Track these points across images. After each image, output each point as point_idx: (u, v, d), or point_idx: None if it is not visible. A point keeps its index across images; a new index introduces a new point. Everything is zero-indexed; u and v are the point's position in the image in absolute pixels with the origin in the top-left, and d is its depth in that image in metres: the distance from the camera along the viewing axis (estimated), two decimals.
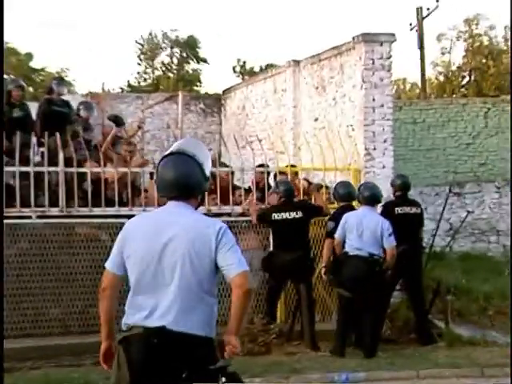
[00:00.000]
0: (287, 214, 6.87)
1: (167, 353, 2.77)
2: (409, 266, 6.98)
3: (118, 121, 8.18)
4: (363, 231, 6.42)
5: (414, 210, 7.29)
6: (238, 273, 2.78)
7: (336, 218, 6.83)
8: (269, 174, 8.13)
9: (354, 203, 7.08)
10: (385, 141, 8.20)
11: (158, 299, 2.81)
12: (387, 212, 7.01)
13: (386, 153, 8.20)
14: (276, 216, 6.88)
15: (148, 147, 11.22)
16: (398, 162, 9.78)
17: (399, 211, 7.17)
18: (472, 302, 8.12)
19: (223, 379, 2.72)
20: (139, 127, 9.11)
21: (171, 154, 2.96)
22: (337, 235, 6.64)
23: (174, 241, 2.82)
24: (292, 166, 8.12)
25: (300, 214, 6.89)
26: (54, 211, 6.85)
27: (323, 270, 6.89)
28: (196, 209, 2.98)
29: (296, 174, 8.23)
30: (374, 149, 8.18)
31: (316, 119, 9.43)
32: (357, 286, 6.33)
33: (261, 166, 8.02)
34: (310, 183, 7.87)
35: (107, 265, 2.97)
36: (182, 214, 2.89)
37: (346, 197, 7.03)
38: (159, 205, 6.89)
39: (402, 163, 12.05)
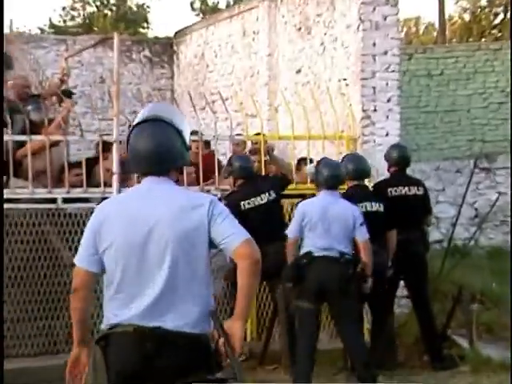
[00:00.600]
0: (258, 198, 6.89)
1: (161, 357, 3.05)
2: (408, 265, 7.06)
3: (67, 94, 8.11)
4: (330, 224, 6.38)
5: (413, 190, 7.34)
6: (241, 242, 3.06)
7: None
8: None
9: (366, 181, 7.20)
10: (389, 100, 8.20)
11: (146, 294, 3.07)
12: (378, 194, 7.10)
13: (390, 116, 8.20)
14: (246, 204, 6.87)
15: (75, 108, 11.06)
16: (407, 127, 9.82)
17: (393, 192, 7.25)
18: (504, 313, 8.15)
19: None
20: (62, 81, 8.93)
21: (144, 121, 3.20)
22: (291, 233, 6.47)
23: (159, 224, 3.07)
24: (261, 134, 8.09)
25: (273, 195, 6.95)
26: None
27: None
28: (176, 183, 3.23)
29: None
30: (375, 110, 8.19)
31: (298, 71, 9.43)
32: (326, 296, 6.32)
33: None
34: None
35: (77, 261, 3.18)
36: (164, 191, 3.16)
37: (359, 174, 7.03)
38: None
39: (412, 129, 12.09)
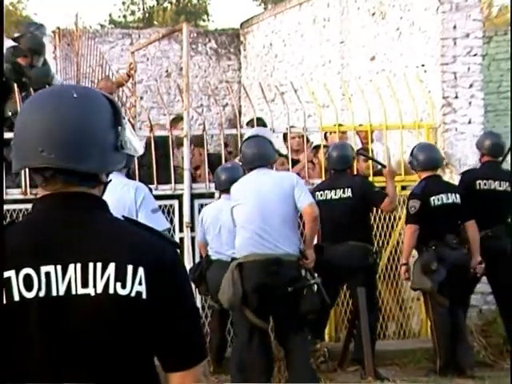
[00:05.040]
0: (332, 192, 6.92)
1: (279, 274, 5.51)
2: (492, 262, 6.89)
3: None
4: (221, 228, 6.51)
5: (504, 185, 7.16)
6: (307, 204, 5.65)
7: (420, 194, 6.78)
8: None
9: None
10: (471, 85, 8.10)
11: (267, 233, 5.56)
12: (465, 186, 6.98)
13: (472, 102, 8.09)
14: (319, 195, 6.92)
15: (141, 103, 11.10)
16: (487, 114, 9.58)
17: (482, 186, 7.08)
18: None
19: (304, 291, 5.60)
20: (129, 76, 8.97)
21: (250, 137, 5.94)
22: (197, 237, 6.98)
23: (270, 190, 5.64)
24: (340, 125, 8.15)
25: (349, 193, 6.90)
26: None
27: (403, 269, 6.87)
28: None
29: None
30: (456, 97, 8.08)
31: (373, 58, 9.35)
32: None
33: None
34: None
35: None
36: (269, 174, 5.81)
37: (431, 163, 6.92)
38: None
39: (492, 116, 11.79)
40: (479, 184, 7.06)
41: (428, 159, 6.89)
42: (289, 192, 5.64)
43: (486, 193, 7.02)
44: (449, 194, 6.77)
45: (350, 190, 6.81)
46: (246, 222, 5.68)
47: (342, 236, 6.65)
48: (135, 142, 1.96)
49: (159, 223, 4.48)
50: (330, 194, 6.82)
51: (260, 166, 5.77)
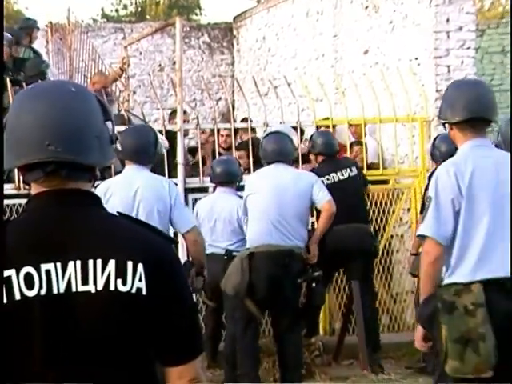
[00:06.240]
0: (339, 173, 6.85)
1: (290, 265, 5.70)
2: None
3: None
4: (216, 220, 6.44)
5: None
6: (326, 201, 5.84)
7: None
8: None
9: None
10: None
11: (281, 224, 5.74)
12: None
13: None
14: (325, 180, 6.74)
15: (134, 97, 11.07)
16: None
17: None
18: None
19: (313, 284, 5.82)
20: (122, 70, 8.93)
21: (271, 133, 6.13)
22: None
23: (288, 184, 5.82)
24: (326, 118, 8.10)
25: (355, 171, 6.92)
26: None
27: (411, 259, 6.80)
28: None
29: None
30: None
31: (366, 52, 9.33)
32: (217, 293, 6.26)
33: None
34: None
35: None
36: (288, 169, 5.96)
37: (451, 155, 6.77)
38: None
39: None
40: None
41: (451, 150, 6.73)
42: (306, 189, 5.84)
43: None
44: None
45: (354, 168, 6.88)
46: (262, 212, 5.81)
47: (351, 216, 6.60)
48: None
49: (190, 215, 5.15)
50: (337, 176, 6.76)
51: (279, 162, 5.91)
